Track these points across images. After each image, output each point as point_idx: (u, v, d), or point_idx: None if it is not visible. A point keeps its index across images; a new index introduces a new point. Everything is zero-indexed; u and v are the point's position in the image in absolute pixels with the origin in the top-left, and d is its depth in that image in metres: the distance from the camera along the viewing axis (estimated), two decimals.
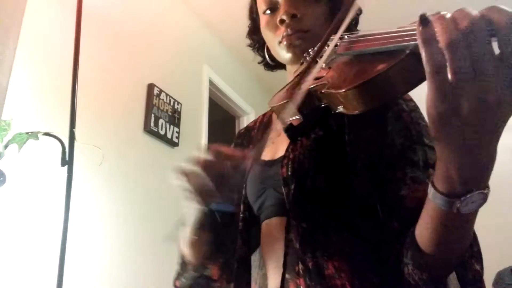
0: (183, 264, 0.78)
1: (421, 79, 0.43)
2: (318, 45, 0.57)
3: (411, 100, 0.69)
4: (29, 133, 1.28)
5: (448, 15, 0.37)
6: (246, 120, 3.51)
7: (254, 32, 0.91)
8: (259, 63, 0.95)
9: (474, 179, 0.42)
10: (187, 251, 0.73)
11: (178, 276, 0.79)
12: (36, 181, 1.50)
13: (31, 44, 1.60)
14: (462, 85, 0.35)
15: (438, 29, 0.36)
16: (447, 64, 0.36)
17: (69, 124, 1.29)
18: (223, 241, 0.78)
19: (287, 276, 0.65)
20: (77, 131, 1.29)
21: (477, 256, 0.55)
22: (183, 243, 0.72)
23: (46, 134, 1.30)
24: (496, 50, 0.34)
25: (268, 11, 0.80)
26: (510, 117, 0.37)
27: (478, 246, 0.56)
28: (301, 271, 0.63)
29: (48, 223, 1.49)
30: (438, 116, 0.38)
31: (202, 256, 0.74)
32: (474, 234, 0.56)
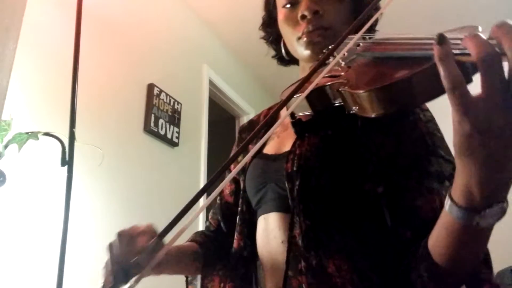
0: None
1: (443, 91, 0.42)
2: (337, 40, 0.56)
3: (427, 110, 0.69)
4: (29, 133, 1.28)
5: (481, 35, 0.37)
6: (246, 120, 3.51)
7: (269, 25, 0.89)
8: (273, 57, 0.93)
9: (495, 193, 0.41)
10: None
11: (190, 281, 0.80)
12: (36, 181, 1.50)
13: (31, 44, 1.60)
14: (490, 102, 0.35)
15: (469, 45, 0.36)
16: (480, 80, 0.36)
17: (69, 124, 1.28)
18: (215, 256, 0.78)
19: (289, 273, 0.65)
20: (77, 131, 1.29)
21: (491, 266, 0.55)
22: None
23: (46, 134, 1.30)
24: None
25: (288, 5, 0.78)
26: None
27: (489, 257, 0.56)
28: (303, 269, 0.62)
29: (48, 223, 1.49)
30: (464, 134, 0.38)
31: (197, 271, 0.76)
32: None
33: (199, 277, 0.84)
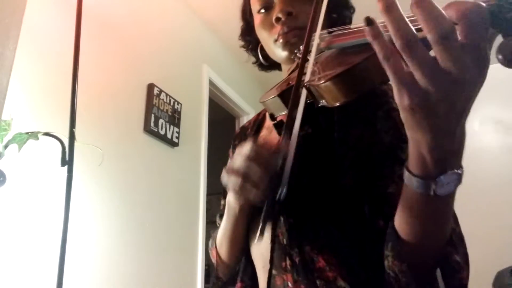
0: (217, 277, 0.80)
1: None
2: (305, 40, 0.58)
3: None
4: (29, 133, 1.28)
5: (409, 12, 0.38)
6: (246, 120, 3.51)
7: (248, 33, 0.91)
8: (253, 63, 0.94)
9: (447, 159, 0.42)
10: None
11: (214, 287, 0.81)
12: (36, 181, 1.50)
13: (31, 44, 1.60)
14: (423, 73, 0.37)
15: (391, 25, 0.37)
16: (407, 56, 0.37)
17: (69, 124, 1.28)
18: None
19: (273, 272, 0.66)
20: (77, 131, 1.29)
21: (461, 253, 0.54)
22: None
23: (46, 134, 1.30)
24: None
25: (262, 10, 0.80)
26: (476, 95, 0.39)
27: (464, 248, 0.55)
28: (288, 266, 0.63)
29: (48, 223, 1.49)
30: (406, 106, 0.39)
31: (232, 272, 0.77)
32: (461, 235, 0.56)
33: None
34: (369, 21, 0.39)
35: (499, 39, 0.37)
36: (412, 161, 0.44)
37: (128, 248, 1.92)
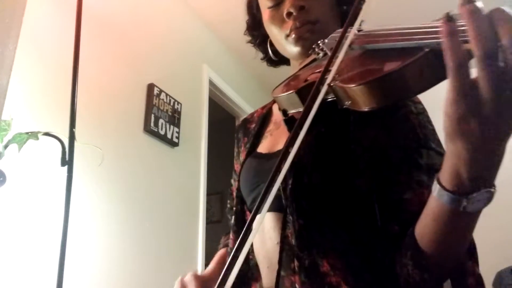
0: None
1: (437, 80, 0.42)
2: (338, 38, 0.55)
3: (419, 102, 0.68)
4: (29, 133, 1.27)
5: (481, 12, 0.36)
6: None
7: (254, 27, 0.89)
8: (262, 59, 0.92)
9: (483, 177, 0.42)
10: None
11: None
12: (36, 181, 1.50)
13: (31, 44, 1.60)
14: (486, 83, 0.35)
15: (469, 23, 0.36)
16: (477, 67, 0.35)
17: (69, 124, 1.28)
18: None
19: (282, 273, 0.64)
20: (77, 131, 1.29)
21: (476, 259, 0.54)
22: None
23: (46, 134, 1.29)
24: None
25: (272, 5, 0.78)
26: None
27: (476, 250, 0.55)
28: (296, 268, 0.62)
29: (48, 223, 1.49)
30: (457, 116, 0.38)
31: None
32: (474, 243, 0.56)
33: None
34: (450, 18, 0.37)
35: None
36: (446, 175, 0.43)
37: (128, 248, 1.92)
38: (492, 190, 0.42)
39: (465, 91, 0.36)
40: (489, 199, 0.43)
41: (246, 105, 3.53)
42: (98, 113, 1.90)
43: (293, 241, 0.64)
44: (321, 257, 0.61)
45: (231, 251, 0.42)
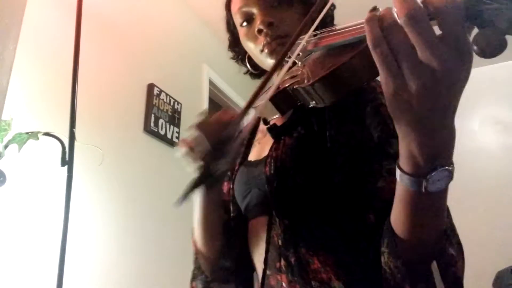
0: (198, 265, 0.79)
1: None
2: (288, 43, 0.59)
3: None
4: (29, 133, 1.28)
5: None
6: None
7: (235, 44, 0.95)
8: (244, 73, 0.97)
9: (437, 155, 0.42)
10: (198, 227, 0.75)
11: (194, 277, 0.81)
12: (36, 181, 1.50)
13: (31, 44, 1.60)
14: (404, 62, 0.37)
15: (384, 12, 0.39)
16: (390, 44, 0.38)
17: (69, 124, 1.29)
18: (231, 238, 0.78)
19: (268, 272, 0.67)
20: (77, 131, 1.29)
21: (454, 244, 0.54)
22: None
23: (46, 134, 1.30)
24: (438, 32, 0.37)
25: (245, 23, 0.82)
26: (461, 91, 0.39)
27: (456, 237, 0.56)
28: (283, 266, 0.64)
29: (48, 223, 1.49)
30: (390, 94, 0.40)
31: (217, 250, 0.76)
32: (453, 226, 0.56)
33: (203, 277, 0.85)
34: (373, 8, 0.40)
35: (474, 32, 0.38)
36: (403, 159, 0.45)
37: (128, 247, 1.92)
38: (450, 168, 0.43)
39: (390, 67, 0.38)
40: (449, 177, 0.43)
41: None
42: (98, 113, 1.90)
43: (279, 242, 0.66)
44: (311, 255, 0.63)
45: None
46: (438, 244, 0.52)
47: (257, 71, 0.92)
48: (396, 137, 0.48)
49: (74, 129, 1.27)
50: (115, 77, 2.07)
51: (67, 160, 1.26)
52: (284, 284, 0.63)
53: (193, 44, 2.92)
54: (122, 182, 1.97)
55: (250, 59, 0.88)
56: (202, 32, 3.07)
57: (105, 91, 1.99)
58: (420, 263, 0.52)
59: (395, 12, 0.38)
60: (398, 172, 0.46)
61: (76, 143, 1.28)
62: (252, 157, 0.83)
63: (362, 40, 0.45)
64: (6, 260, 1.35)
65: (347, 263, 0.61)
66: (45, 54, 1.67)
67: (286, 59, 0.70)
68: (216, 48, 3.26)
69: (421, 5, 0.36)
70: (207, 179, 0.55)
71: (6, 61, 1.06)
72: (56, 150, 1.29)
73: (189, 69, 2.80)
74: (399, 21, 0.37)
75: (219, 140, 0.55)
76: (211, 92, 3.06)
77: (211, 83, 3.03)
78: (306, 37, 0.58)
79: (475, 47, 0.36)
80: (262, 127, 0.87)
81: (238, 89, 3.42)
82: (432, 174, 0.42)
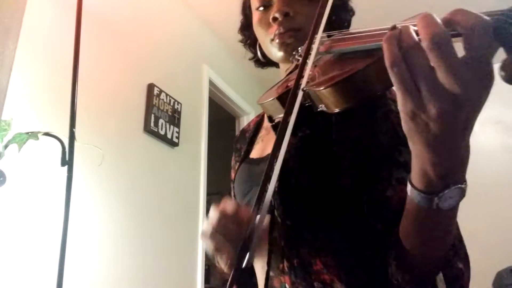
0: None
1: None
2: (306, 43, 0.57)
3: None
4: (29, 133, 1.27)
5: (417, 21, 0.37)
6: (246, 120, 3.51)
7: (246, 27, 0.91)
8: (250, 59, 0.94)
9: (450, 174, 0.42)
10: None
11: None
12: (36, 181, 1.50)
13: (31, 44, 1.60)
14: (424, 84, 0.36)
15: (403, 31, 0.37)
16: (409, 64, 0.36)
17: (69, 124, 1.28)
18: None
19: (271, 273, 0.66)
20: (77, 131, 1.29)
21: (462, 256, 0.54)
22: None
23: (46, 134, 1.29)
24: (461, 53, 0.34)
25: (261, 8, 0.79)
26: (479, 112, 0.38)
27: (464, 248, 0.55)
28: (286, 268, 0.63)
29: (48, 223, 1.49)
30: (406, 114, 0.39)
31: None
32: (460, 236, 0.56)
33: None
34: (393, 27, 0.39)
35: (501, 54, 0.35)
36: (415, 176, 0.44)
37: (128, 248, 1.92)
38: (463, 186, 0.42)
39: (407, 86, 0.37)
40: (461, 195, 0.43)
41: (246, 105, 3.53)
42: (98, 113, 1.90)
43: (282, 243, 0.65)
44: (314, 256, 0.62)
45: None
46: (445, 257, 0.51)
47: (264, 60, 0.89)
48: (406, 145, 0.48)
49: (74, 129, 1.27)
50: (115, 77, 2.07)
51: (67, 160, 1.26)
52: (287, 286, 0.62)
53: (193, 44, 2.92)
54: (122, 182, 1.97)
55: (260, 47, 0.85)
56: (202, 32, 3.07)
57: (105, 91, 1.99)
58: (427, 275, 0.52)
59: (414, 31, 0.36)
60: (409, 187, 0.45)
61: (76, 143, 1.28)
62: (254, 154, 0.81)
63: (381, 48, 0.44)
64: (6, 260, 1.35)
65: (349, 266, 0.61)
66: (45, 54, 1.67)
67: (297, 57, 0.68)
68: (216, 48, 3.26)
69: (446, 28, 0.34)
70: (241, 276, 0.54)
71: (6, 61, 1.06)
72: (56, 150, 1.29)
73: (189, 69, 2.80)
74: (421, 43, 0.35)
75: (244, 243, 0.54)
76: (211, 92, 3.06)
77: (211, 83, 3.03)
78: (318, 37, 0.56)
79: (502, 73, 0.34)
80: (267, 124, 0.85)
81: (238, 89, 3.42)
82: (445, 192, 0.42)
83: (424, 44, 0.34)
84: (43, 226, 1.48)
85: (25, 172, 1.46)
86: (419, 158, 0.42)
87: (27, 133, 1.28)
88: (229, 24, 3.30)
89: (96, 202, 1.79)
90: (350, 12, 0.83)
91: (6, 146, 1.25)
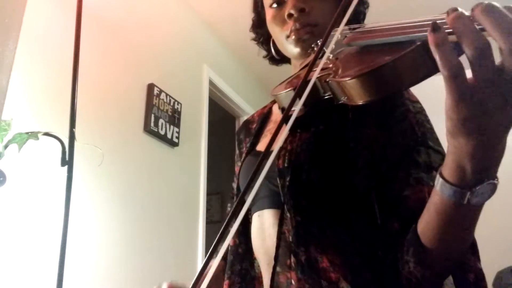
0: None
1: (429, 73, 0.43)
2: (325, 35, 0.56)
3: (417, 101, 0.69)
4: (29, 133, 1.27)
5: (467, 15, 0.36)
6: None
7: (259, 25, 0.90)
8: (264, 57, 0.93)
9: (487, 169, 0.42)
10: None
11: None
12: (36, 181, 1.50)
13: (31, 44, 1.60)
14: (485, 88, 0.36)
15: (459, 30, 0.36)
16: (471, 68, 0.36)
17: (69, 124, 1.28)
18: None
19: (277, 269, 0.65)
20: (77, 131, 1.29)
21: (478, 255, 0.54)
22: None
23: (46, 134, 1.29)
24: None
25: (275, 5, 0.79)
26: None
27: (477, 245, 0.56)
28: (293, 264, 0.62)
29: (48, 223, 1.49)
30: (459, 117, 0.38)
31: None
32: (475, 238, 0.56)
33: None
34: (436, 27, 0.37)
35: None
36: (449, 169, 0.43)
37: (128, 248, 1.92)
38: (496, 182, 0.42)
39: (464, 95, 0.37)
40: (492, 191, 0.43)
41: (246, 105, 3.53)
42: (98, 113, 1.90)
43: (290, 238, 0.64)
44: (320, 253, 0.61)
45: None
46: (463, 256, 0.52)
47: (278, 57, 0.88)
48: (425, 145, 0.47)
49: (74, 129, 1.27)
50: (115, 77, 2.07)
51: (67, 160, 1.26)
52: (293, 282, 0.61)
53: (193, 44, 2.92)
54: (122, 182, 1.97)
55: (274, 44, 0.85)
56: (202, 32, 3.07)
57: (105, 91, 1.99)
58: (448, 271, 0.52)
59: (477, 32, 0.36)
60: (439, 181, 0.45)
61: (76, 143, 1.28)
62: (261, 147, 0.80)
63: (413, 41, 0.43)
64: (6, 260, 1.35)
65: (355, 265, 0.60)
66: (45, 54, 1.67)
67: (315, 48, 0.67)
68: (216, 48, 3.26)
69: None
70: None
71: (6, 61, 1.06)
72: (56, 150, 1.29)
73: (189, 69, 2.80)
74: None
75: None
76: (211, 92, 3.06)
77: (211, 83, 3.03)
78: (339, 29, 0.55)
79: None
80: (276, 117, 0.84)
81: (238, 89, 3.42)
82: (478, 187, 0.42)
83: (470, 54, 0.35)
84: (43, 226, 1.48)
85: (25, 172, 1.46)
86: (457, 153, 0.42)
87: (27, 133, 1.28)
88: (230, 25, 3.31)
89: (96, 202, 1.79)
90: (365, 4, 0.82)
91: (6, 146, 1.25)
